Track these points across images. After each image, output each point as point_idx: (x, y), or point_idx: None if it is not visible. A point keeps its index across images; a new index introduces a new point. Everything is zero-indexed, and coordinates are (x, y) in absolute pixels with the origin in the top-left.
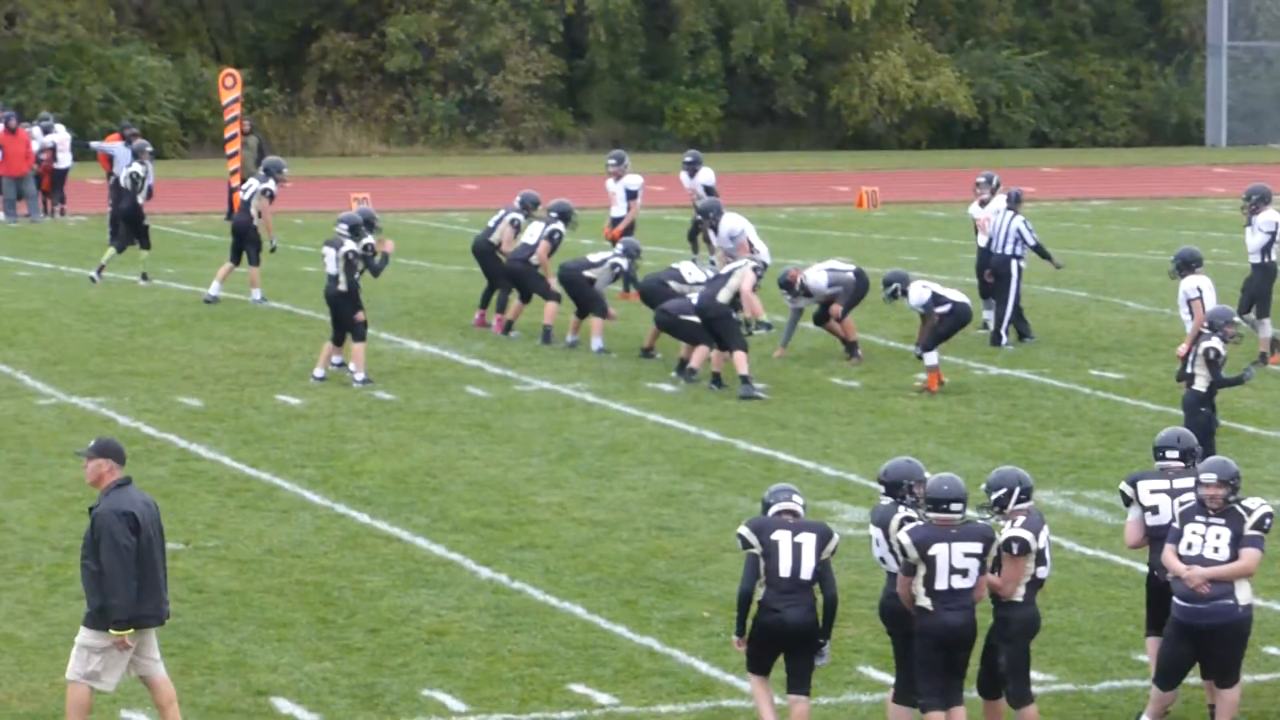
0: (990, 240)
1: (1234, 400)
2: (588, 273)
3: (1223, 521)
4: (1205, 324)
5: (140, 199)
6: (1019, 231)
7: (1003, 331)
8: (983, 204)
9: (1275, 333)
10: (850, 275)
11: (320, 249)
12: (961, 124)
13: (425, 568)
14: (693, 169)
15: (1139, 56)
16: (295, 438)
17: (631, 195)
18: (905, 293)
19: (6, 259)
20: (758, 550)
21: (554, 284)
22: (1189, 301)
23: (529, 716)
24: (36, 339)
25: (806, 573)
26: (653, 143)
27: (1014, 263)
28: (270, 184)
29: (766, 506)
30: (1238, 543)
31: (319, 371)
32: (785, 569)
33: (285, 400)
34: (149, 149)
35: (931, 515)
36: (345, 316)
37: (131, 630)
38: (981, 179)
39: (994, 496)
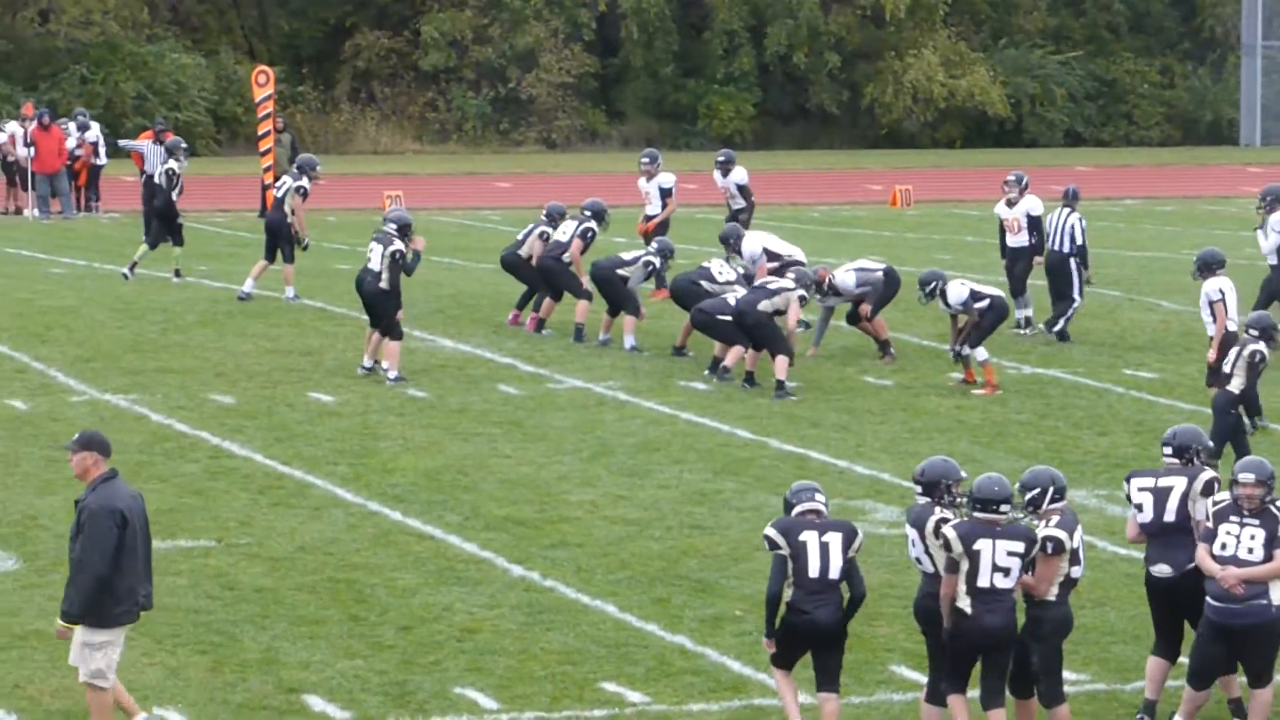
0: (1048, 239)
1: (1265, 401)
2: (621, 271)
3: (1257, 522)
4: (1251, 329)
5: (173, 195)
6: (1073, 229)
7: (1065, 328)
8: (1010, 204)
9: None
10: (879, 274)
11: (369, 244)
12: (995, 123)
13: (457, 565)
14: (725, 168)
15: (1173, 56)
16: (327, 435)
17: (665, 194)
18: (944, 291)
19: (40, 256)
20: (785, 552)
21: (586, 282)
22: (1211, 304)
23: (560, 714)
24: (70, 336)
25: (835, 572)
26: (686, 141)
27: (1071, 261)
28: (304, 181)
29: (789, 506)
30: (1272, 543)
31: (367, 362)
32: (814, 569)
33: (318, 397)
34: (184, 145)
35: (978, 515)
36: (384, 313)
37: (78, 626)
38: (1010, 178)
39: (1028, 496)
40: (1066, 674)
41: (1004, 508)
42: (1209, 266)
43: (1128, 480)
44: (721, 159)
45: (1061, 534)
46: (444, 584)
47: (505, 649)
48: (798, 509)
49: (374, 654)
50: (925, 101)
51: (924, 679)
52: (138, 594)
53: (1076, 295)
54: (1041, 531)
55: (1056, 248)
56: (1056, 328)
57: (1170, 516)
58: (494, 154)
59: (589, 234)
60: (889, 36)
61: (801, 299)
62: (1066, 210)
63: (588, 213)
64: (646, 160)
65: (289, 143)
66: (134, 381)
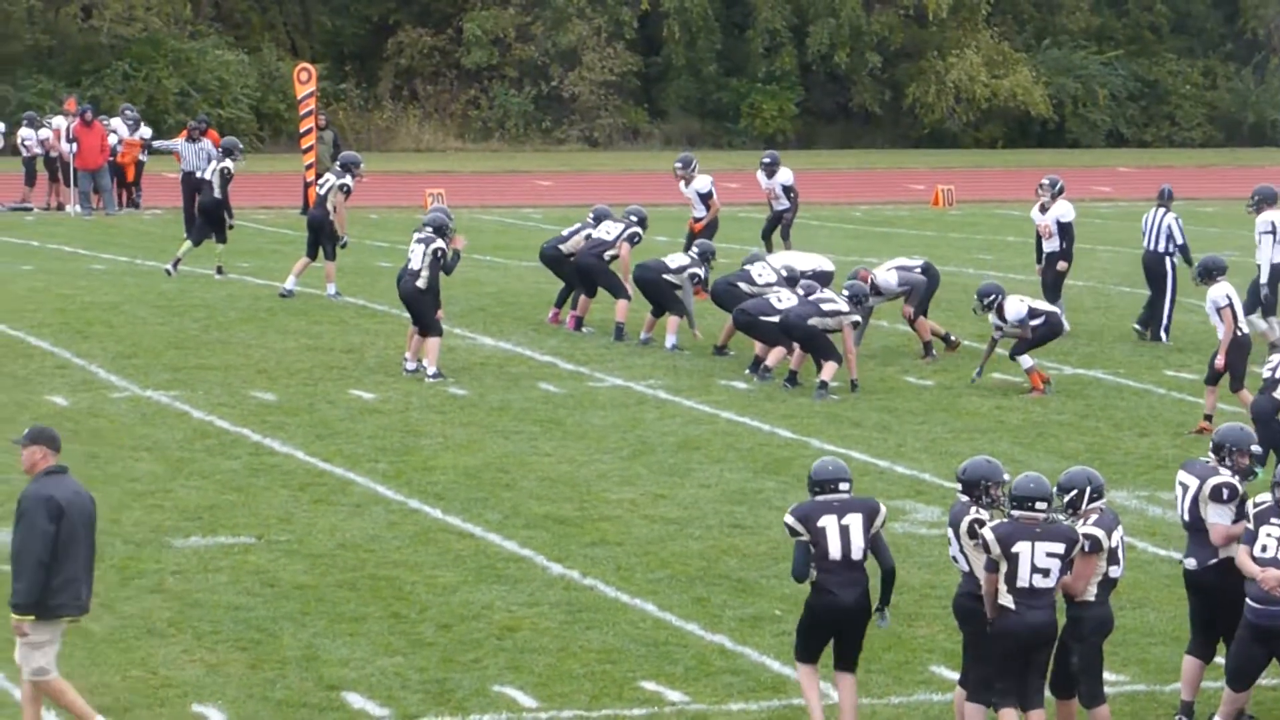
0: (1144, 238)
1: None
2: (666, 276)
3: None
4: None
5: (217, 193)
6: (1170, 229)
7: (1162, 331)
8: (1043, 209)
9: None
10: (919, 275)
11: (411, 244)
12: (1037, 123)
13: (497, 563)
14: (770, 169)
15: (1215, 57)
16: (369, 432)
17: (705, 198)
18: (1001, 306)
19: (82, 252)
20: (806, 538)
21: (630, 286)
22: (1219, 309)
23: (600, 713)
24: (111, 332)
25: (857, 553)
26: (728, 140)
27: (1168, 260)
28: (347, 179)
29: (813, 486)
30: None
31: (410, 364)
32: (835, 552)
33: (359, 395)
34: (240, 146)
35: (1016, 514)
36: (424, 312)
37: (33, 617)
38: (1044, 182)
39: (1067, 498)
40: (1106, 675)
41: (1040, 505)
42: (1210, 273)
43: (1182, 468)
44: (767, 160)
45: (1099, 532)
46: (484, 582)
47: (545, 647)
48: (820, 497)
49: (414, 651)
50: (967, 101)
51: None
52: (79, 590)
53: (1169, 296)
54: (1082, 530)
55: (1152, 247)
56: (1153, 328)
57: (1185, 515)
58: (536, 152)
59: (636, 238)
60: (931, 36)
61: (855, 324)
62: (1161, 210)
63: (633, 218)
64: (680, 166)
65: (331, 140)
66: (175, 378)
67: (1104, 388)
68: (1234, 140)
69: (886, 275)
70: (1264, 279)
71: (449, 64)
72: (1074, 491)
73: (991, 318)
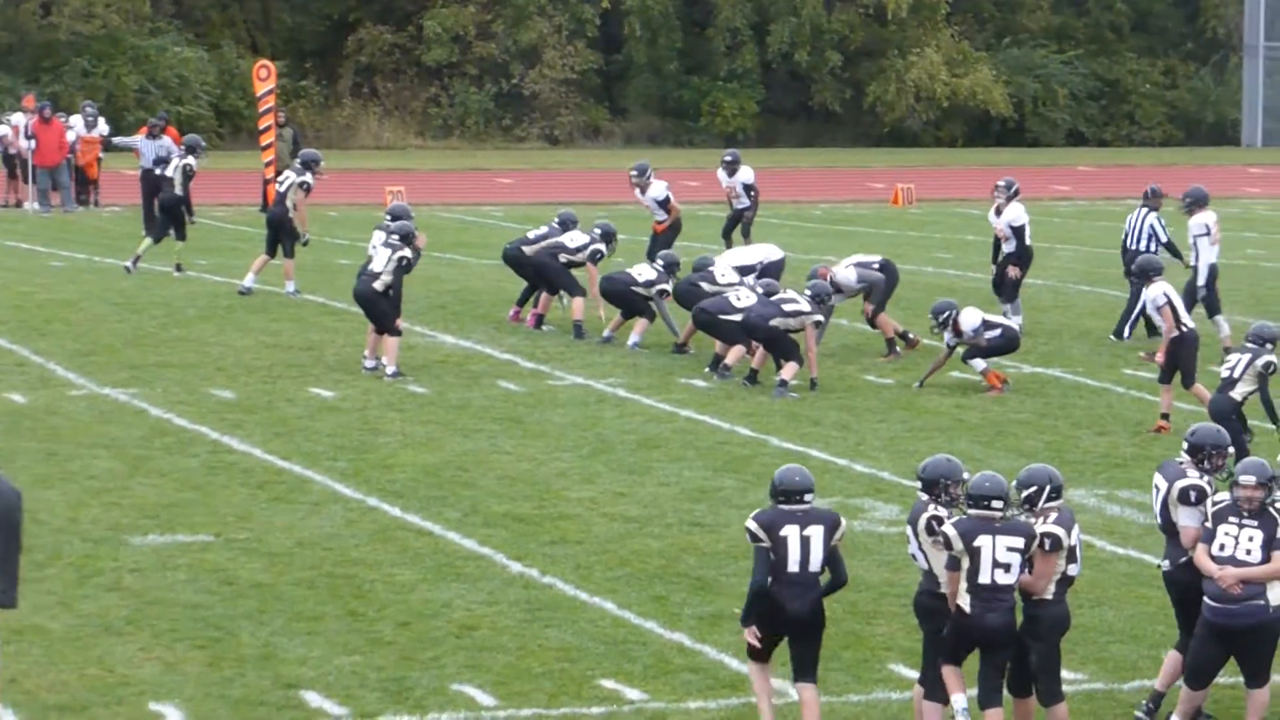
0: (1124, 237)
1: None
2: (635, 289)
3: (1255, 523)
4: (1258, 339)
5: (179, 190)
6: (1153, 228)
7: (1126, 329)
8: (999, 212)
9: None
10: (877, 271)
11: (374, 242)
12: (997, 122)
13: (456, 562)
14: (731, 168)
15: (1176, 56)
16: (327, 430)
17: (663, 204)
18: (956, 321)
19: (40, 249)
20: (767, 545)
21: (597, 298)
22: (1158, 309)
23: (559, 711)
24: (69, 330)
25: (816, 565)
26: (689, 138)
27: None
28: (307, 176)
29: (775, 493)
30: (1270, 545)
31: (369, 362)
32: (794, 564)
33: (318, 393)
34: (203, 145)
35: (972, 512)
36: (382, 313)
37: None
38: (1000, 184)
39: (1025, 494)
40: (1065, 673)
41: (997, 504)
42: (1146, 273)
43: (1157, 470)
44: (728, 159)
45: (1059, 531)
46: (443, 580)
47: (504, 646)
48: (782, 506)
49: (372, 650)
50: (928, 100)
51: None
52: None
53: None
54: (1039, 529)
55: (1135, 246)
56: (1118, 324)
57: (1158, 517)
58: (496, 150)
59: (598, 255)
60: (892, 35)
61: (817, 323)
62: (1145, 210)
63: (598, 232)
64: (635, 174)
65: (291, 137)
66: (134, 375)
67: (1062, 386)
68: (1194, 139)
69: (845, 272)
70: (1201, 280)
71: (409, 61)
72: (1033, 488)
73: (947, 336)
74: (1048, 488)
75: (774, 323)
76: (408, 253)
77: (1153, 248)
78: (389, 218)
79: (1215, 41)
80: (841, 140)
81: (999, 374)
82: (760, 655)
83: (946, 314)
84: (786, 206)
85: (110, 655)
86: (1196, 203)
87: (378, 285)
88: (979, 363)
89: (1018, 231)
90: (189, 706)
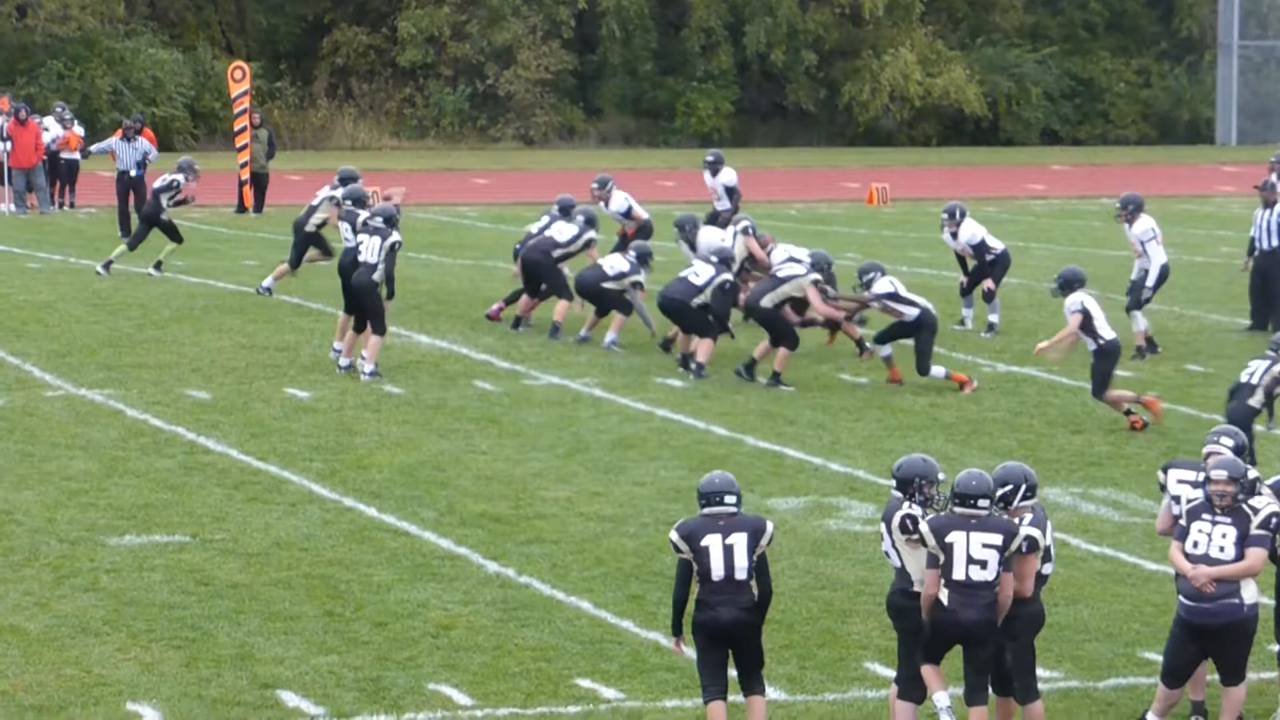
0: (1253, 240)
1: (1214, 397)
2: (607, 285)
3: (1229, 520)
4: (1275, 346)
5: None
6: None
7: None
8: (954, 236)
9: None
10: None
11: (346, 235)
12: (972, 121)
13: (433, 561)
14: (715, 168)
15: (1150, 55)
16: (303, 431)
17: (626, 215)
18: (873, 284)
19: (16, 251)
20: (688, 556)
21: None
22: (1072, 314)
23: (535, 711)
24: (45, 331)
25: (741, 573)
26: (664, 138)
27: None
28: (338, 192)
29: (700, 499)
30: (1243, 542)
31: (344, 360)
32: (718, 572)
33: (294, 393)
34: (196, 168)
35: (957, 510)
36: (374, 306)
37: None
38: (944, 215)
39: (1000, 492)
40: (1040, 671)
41: (983, 503)
42: (1069, 285)
43: (1164, 470)
44: (711, 159)
45: (1036, 532)
46: (419, 580)
47: (480, 645)
48: (705, 511)
49: (349, 650)
50: (902, 100)
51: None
52: None
53: None
54: (1020, 531)
55: (1271, 245)
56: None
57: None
58: (471, 150)
59: (591, 242)
60: (866, 35)
61: (816, 283)
62: (1269, 210)
63: (582, 219)
64: (596, 187)
65: (266, 138)
66: (110, 376)
67: (1038, 385)
68: (1168, 138)
69: (777, 253)
70: (1151, 281)
71: (384, 62)
72: (1009, 487)
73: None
74: (1023, 486)
75: (765, 301)
76: (398, 237)
77: None
78: (340, 185)
79: (1189, 40)
80: (816, 140)
81: (961, 376)
82: (708, 678)
83: (870, 275)
84: (761, 206)
85: (87, 655)
86: (1138, 208)
87: (376, 276)
88: (885, 349)
89: (978, 249)
90: (166, 706)
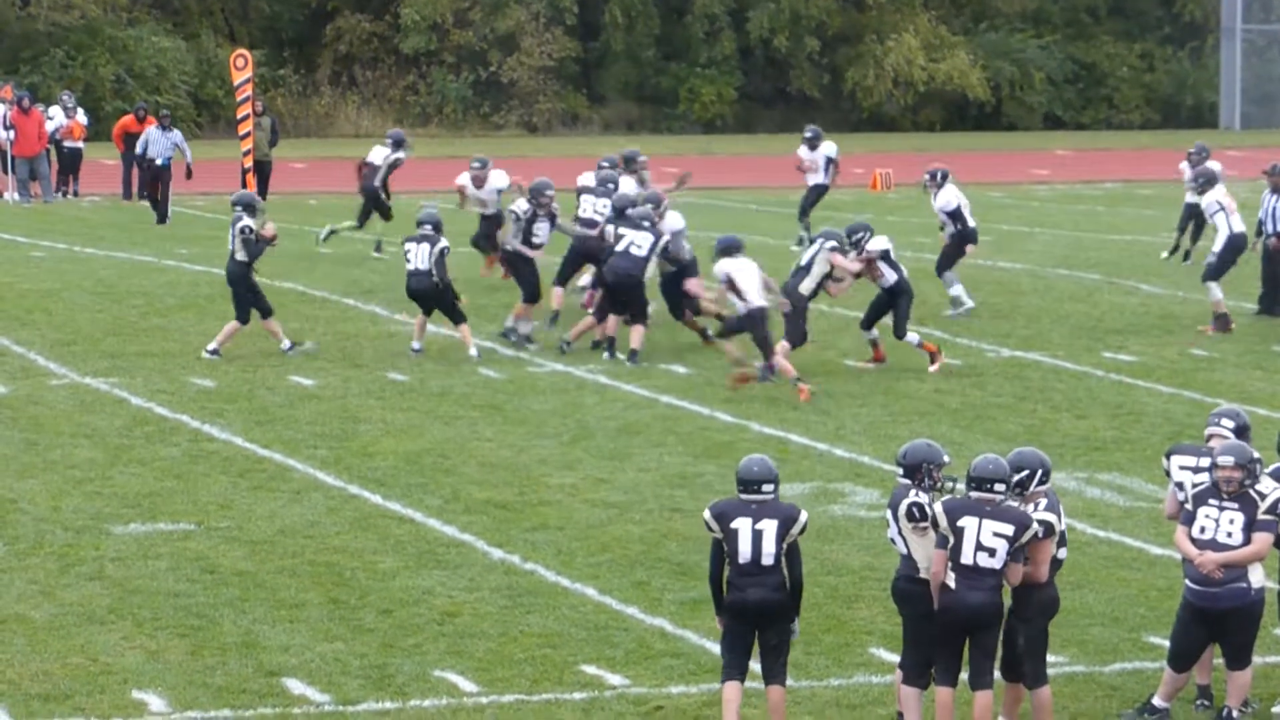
0: (1260, 224)
1: (1246, 383)
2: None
3: (1236, 506)
4: None
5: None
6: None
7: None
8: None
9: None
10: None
11: (403, 245)
12: (975, 106)
13: (438, 549)
14: (813, 143)
15: (1153, 40)
16: (308, 418)
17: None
18: (863, 243)
19: (20, 239)
20: (719, 536)
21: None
22: (723, 281)
23: (541, 697)
24: (50, 319)
25: (767, 558)
26: (667, 125)
27: None
28: (401, 154)
29: (738, 485)
30: (1250, 527)
31: (416, 345)
32: (744, 555)
33: (298, 381)
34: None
35: (973, 494)
36: (443, 305)
37: None
38: (926, 176)
39: (1017, 478)
40: (1047, 656)
41: (999, 487)
42: (726, 251)
43: (1168, 456)
44: (809, 134)
45: (1052, 517)
46: (424, 567)
47: (485, 632)
48: (741, 495)
49: (354, 637)
50: (905, 85)
51: None
52: None
53: None
54: (1034, 516)
55: (1276, 229)
56: None
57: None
58: (475, 137)
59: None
60: (870, 20)
61: (834, 248)
62: (1274, 195)
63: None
64: (477, 166)
65: (269, 126)
66: (114, 365)
67: (1042, 370)
68: (1172, 123)
69: (673, 220)
70: (1218, 247)
71: (387, 50)
72: (1025, 472)
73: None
74: (1039, 472)
75: (804, 287)
76: (446, 243)
77: None
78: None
79: (1193, 25)
80: (820, 125)
81: (932, 345)
82: (730, 646)
83: (860, 235)
84: (765, 192)
85: (93, 644)
86: (1210, 182)
87: (435, 279)
88: (913, 336)
89: (953, 214)
90: (171, 694)
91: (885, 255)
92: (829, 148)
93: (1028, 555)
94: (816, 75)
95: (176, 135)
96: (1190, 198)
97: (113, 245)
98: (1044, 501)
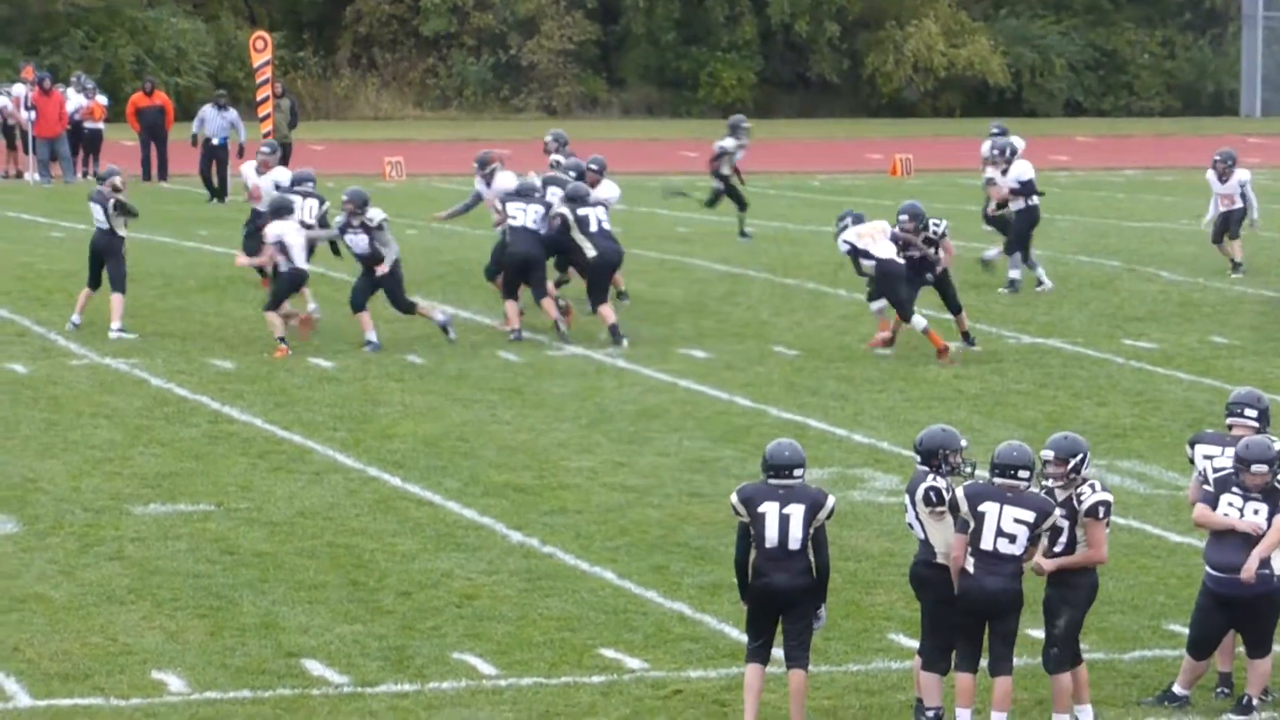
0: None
1: (1266, 370)
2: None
3: (1261, 497)
4: None
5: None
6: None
7: None
8: (1003, 173)
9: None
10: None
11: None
12: (995, 92)
13: (456, 531)
14: (1225, 173)
15: (1174, 26)
16: (327, 400)
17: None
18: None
19: (40, 220)
20: (746, 520)
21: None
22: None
23: (559, 680)
24: (70, 300)
25: (794, 543)
26: (687, 109)
27: None
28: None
29: (766, 469)
30: (1274, 517)
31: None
32: (771, 540)
33: (317, 363)
34: (746, 125)
35: (997, 480)
36: (542, 278)
37: None
38: (995, 152)
39: (1071, 463)
40: None
41: (1023, 474)
42: (276, 213)
43: (1191, 445)
44: (1218, 159)
45: (1109, 496)
46: (443, 550)
47: (504, 615)
48: (769, 480)
49: (373, 619)
50: (926, 71)
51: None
52: None
53: None
54: (1092, 497)
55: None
56: None
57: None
58: (494, 120)
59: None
60: (890, 5)
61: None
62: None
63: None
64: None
65: (289, 108)
66: (134, 346)
67: (1062, 356)
68: (1193, 110)
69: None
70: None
71: (407, 32)
72: (1079, 456)
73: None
74: (1087, 455)
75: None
76: (565, 210)
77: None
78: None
79: (1214, 11)
80: (839, 111)
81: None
82: (753, 631)
83: (844, 223)
84: (784, 177)
85: (112, 624)
86: (1232, 164)
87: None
88: (919, 321)
89: (1026, 185)
90: (191, 675)
91: (860, 252)
92: (1242, 174)
93: (1087, 538)
94: (836, 60)
95: (232, 114)
96: (1221, 207)
97: (132, 226)
98: (1097, 484)
